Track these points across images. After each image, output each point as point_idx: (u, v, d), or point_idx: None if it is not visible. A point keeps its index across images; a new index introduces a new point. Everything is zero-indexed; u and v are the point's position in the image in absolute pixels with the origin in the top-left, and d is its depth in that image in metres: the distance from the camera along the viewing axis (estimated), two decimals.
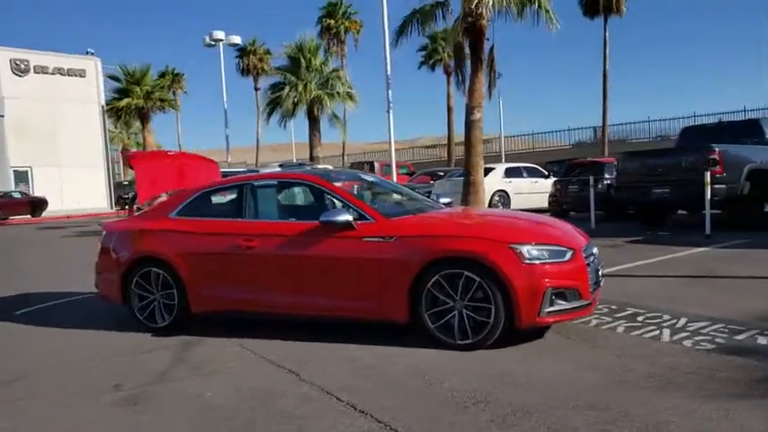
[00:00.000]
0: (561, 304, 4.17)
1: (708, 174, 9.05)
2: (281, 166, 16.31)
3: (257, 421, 3.23)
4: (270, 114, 26.12)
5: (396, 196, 5.48)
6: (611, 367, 3.73)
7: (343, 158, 39.35)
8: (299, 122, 27.50)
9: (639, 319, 4.78)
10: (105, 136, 37.20)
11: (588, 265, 4.36)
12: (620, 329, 4.55)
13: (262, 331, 4.93)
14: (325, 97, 24.38)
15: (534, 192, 15.71)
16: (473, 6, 12.73)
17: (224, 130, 28.29)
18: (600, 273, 4.58)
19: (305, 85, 24.51)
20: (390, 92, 16.56)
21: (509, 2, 12.92)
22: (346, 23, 40.64)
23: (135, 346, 4.91)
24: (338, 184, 4.92)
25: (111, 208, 34.14)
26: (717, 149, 9.39)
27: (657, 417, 2.95)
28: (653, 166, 10.29)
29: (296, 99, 24.60)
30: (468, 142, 13.62)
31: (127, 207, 6.85)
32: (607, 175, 12.83)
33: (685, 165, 9.75)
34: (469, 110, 13.56)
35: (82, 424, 3.38)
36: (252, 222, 5.06)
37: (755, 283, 5.97)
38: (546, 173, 16.62)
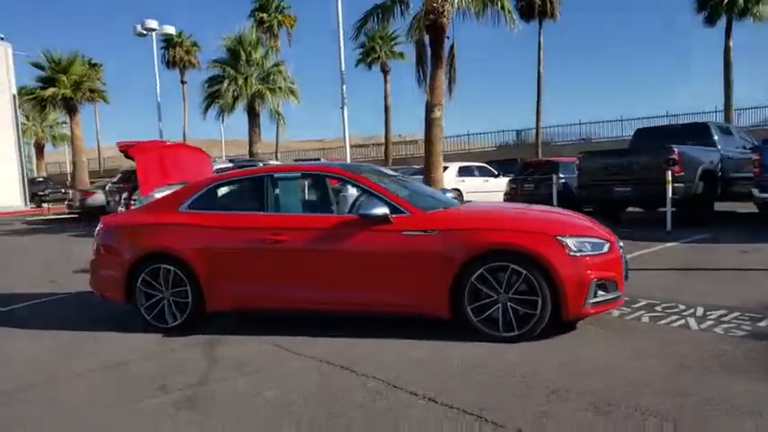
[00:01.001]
0: (602, 295, 4.28)
1: (669, 173, 9.59)
2: (231, 161, 15.79)
3: (343, 417, 3.10)
4: (207, 108, 25.17)
5: (417, 190, 5.42)
6: (663, 355, 3.86)
7: (276, 156, 38.58)
8: (232, 118, 26.47)
9: (657, 309, 4.99)
10: (18, 127, 34.55)
11: (621, 257, 4.51)
12: (645, 319, 4.73)
13: (282, 328, 4.76)
14: (267, 92, 23.77)
15: (486, 191, 16.06)
16: (436, 4, 12.84)
17: (157, 123, 27.03)
18: (627, 265, 4.74)
19: (245, 79, 23.79)
20: (345, 87, 16.42)
21: (471, 1, 13.13)
22: (279, 17, 39.89)
23: (156, 345, 4.61)
24: (369, 177, 4.80)
25: (26, 205, 31.81)
26: (676, 150, 9.96)
27: (740, 400, 3.08)
28: (614, 165, 10.78)
29: (236, 93, 23.83)
30: (428, 140, 13.73)
31: (125, 202, 6.30)
32: (562, 174, 13.31)
33: (646, 164, 10.28)
34: (430, 108, 13.66)
35: (149, 428, 3.12)
36: (279, 216, 4.87)
37: (741, 275, 6.37)
38: (495, 172, 17.06)
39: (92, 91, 28.13)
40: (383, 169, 5.92)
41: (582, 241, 4.27)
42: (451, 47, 14.01)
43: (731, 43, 26.04)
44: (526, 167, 15.14)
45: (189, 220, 4.99)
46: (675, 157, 9.93)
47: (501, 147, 37.36)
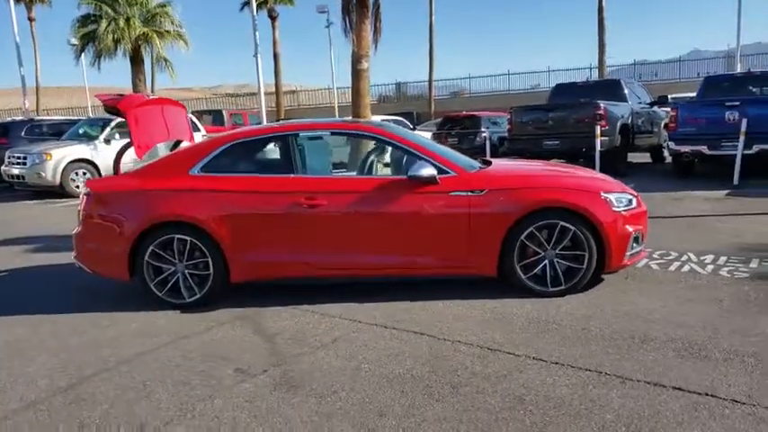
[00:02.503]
0: (635, 247, 4.57)
1: (598, 127, 10.29)
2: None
3: (468, 385, 3.08)
4: (81, 51, 22.54)
5: (446, 150, 5.30)
6: (704, 300, 4.21)
7: None
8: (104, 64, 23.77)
9: (656, 256, 5.43)
10: None
11: None
12: (654, 266, 5.14)
13: (308, 296, 4.61)
14: (154, 36, 21.78)
15: None
16: None
17: (18, 69, 23.66)
18: None
19: (127, 20, 21.59)
20: (257, 33, 15.49)
21: None
22: None
23: (186, 324, 4.23)
24: (408, 137, 4.64)
25: None
26: (602, 105, 10.68)
27: None
28: (544, 119, 11.34)
29: (117, 36, 21.58)
30: (356, 92, 13.39)
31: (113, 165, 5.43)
32: (483, 129, 13.77)
33: (575, 119, 10.92)
34: (357, 58, 13.25)
35: (263, 415, 2.89)
36: (312, 178, 4.58)
37: (692, 222, 7.08)
38: (411, 125, 17.22)
39: None
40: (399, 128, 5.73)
41: (619, 197, 4.50)
42: None
43: (604, 3, 27.91)
44: (447, 122, 15.42)
45: (206, 185, 4.54)
46: (602, 112, 10.65)
47: (381, 100, 37.91)
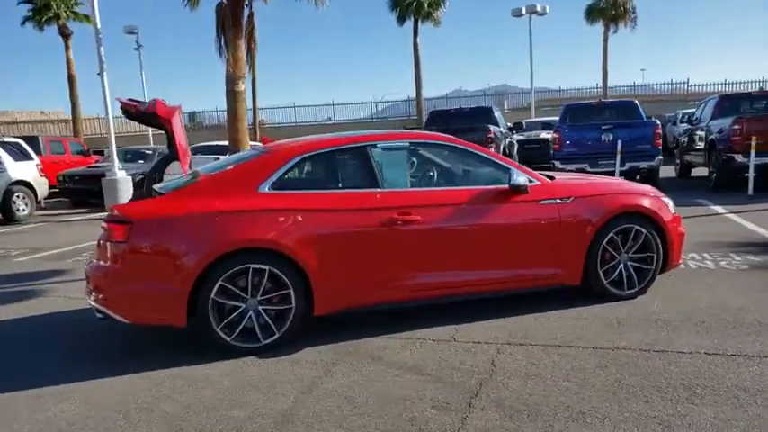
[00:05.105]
0: (682, 248, 4.97)
1: (492, 148, 11.03)
2: None
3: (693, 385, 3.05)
4: None
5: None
6: (750, 289, 4.70)
7: None
8: None
9: None
10: None
11: None
12: None
13: (379, 323, 4.20)
14: None
15: None
16: None
17: None
18: None
19: None
20: (102, 49, 13.58)
21: None
22: None
23: (290, 373, 3.53)
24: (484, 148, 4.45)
25: None
26: (492, 129, 11.47)
27: None
28: None
29: None
30: (233, 116, 12.48)
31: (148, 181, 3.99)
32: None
33: (472, 140, 11.51)
34: (233, 79, 12.37)
35: None
36: (404, 192, 4.17)
37: None
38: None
39: None
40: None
41: (669, 203, 4.87)
42: (250, 16, 13.01)
43: (419, 41, 30.22)
44: None
45: (283, 204, 3.85)
46: (492, 135, 11.44)
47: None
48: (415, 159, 4.59)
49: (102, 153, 21.04)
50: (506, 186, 4.21)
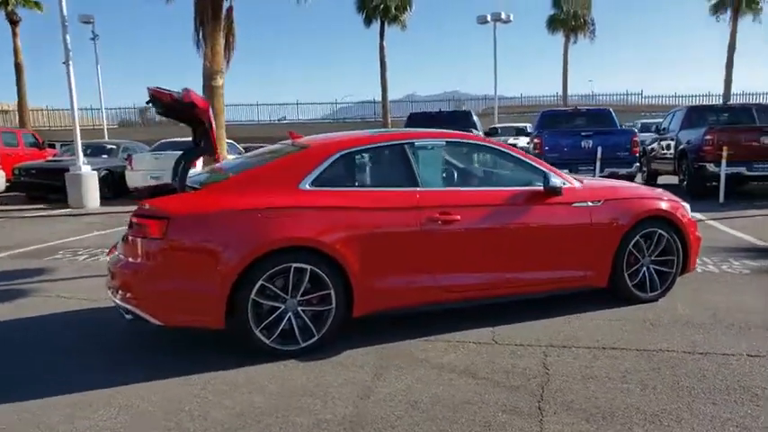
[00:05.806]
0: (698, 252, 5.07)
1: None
2: None
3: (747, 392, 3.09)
4: None
5: None
6: (761, 292, 4.88)
7: None
8: None
9: None
10: None
11: None
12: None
13: (420, 325, 4.12)
14: None
15: None
16: None
17: None
18: None
19: None
20: (68, 37, 12.95)
21: None
22: None
23: (338, 377, 3.39)
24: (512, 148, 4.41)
25: None
26: (476, 134, 11.51)
27: None
28: None
29: None
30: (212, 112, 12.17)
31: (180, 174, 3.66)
32: None
33: None
34: (210, 74, 11.93)
35: None
36: (444, 191, 4.11)
37: None
38: (241, 149, 16.22)
39: None
40: None
41: (687, 207, 4.96)
42: (229, 10, 12.64)
43: (385, 43, 30.23)
44: None
45: (325, 202, 3.71)
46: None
47: (123, 125, 35.54)
48: (449, 158, 4.52)
49: (53, 146, 20.10)
50: (541, 188, 4.20)
